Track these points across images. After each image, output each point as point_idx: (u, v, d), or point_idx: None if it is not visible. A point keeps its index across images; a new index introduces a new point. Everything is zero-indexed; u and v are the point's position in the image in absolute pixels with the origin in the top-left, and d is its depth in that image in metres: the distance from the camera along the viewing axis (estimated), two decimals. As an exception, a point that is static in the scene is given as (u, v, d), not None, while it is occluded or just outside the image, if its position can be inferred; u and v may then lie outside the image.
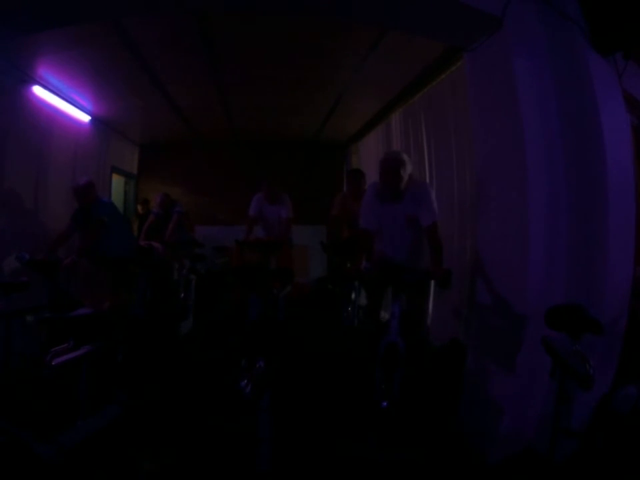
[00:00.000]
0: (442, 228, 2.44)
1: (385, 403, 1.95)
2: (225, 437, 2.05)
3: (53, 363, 1.86)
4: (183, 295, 4.01)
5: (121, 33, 2.89)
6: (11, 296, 2.17)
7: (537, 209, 1.90)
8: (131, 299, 3.28)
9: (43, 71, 3.58)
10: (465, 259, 3.16)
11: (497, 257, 2.13)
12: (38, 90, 3.81)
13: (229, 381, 1.72)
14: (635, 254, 1.96)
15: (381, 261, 2.61)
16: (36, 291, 2.57)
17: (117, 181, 6.48)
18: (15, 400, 2.17)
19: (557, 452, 1.48)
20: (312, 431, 2.18)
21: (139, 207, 6.30)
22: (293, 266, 4.54)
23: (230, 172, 6.88)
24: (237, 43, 3.18)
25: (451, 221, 3.34)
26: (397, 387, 1.97)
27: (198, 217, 6.26)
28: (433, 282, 2.78)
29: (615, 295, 1.88)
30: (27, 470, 1.75)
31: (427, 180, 3.79)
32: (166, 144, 6.71)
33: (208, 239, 4.93)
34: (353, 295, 3.67)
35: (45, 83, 3.83)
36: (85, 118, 4.86)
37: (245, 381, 1.50)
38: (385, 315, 3.36)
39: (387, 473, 1.87)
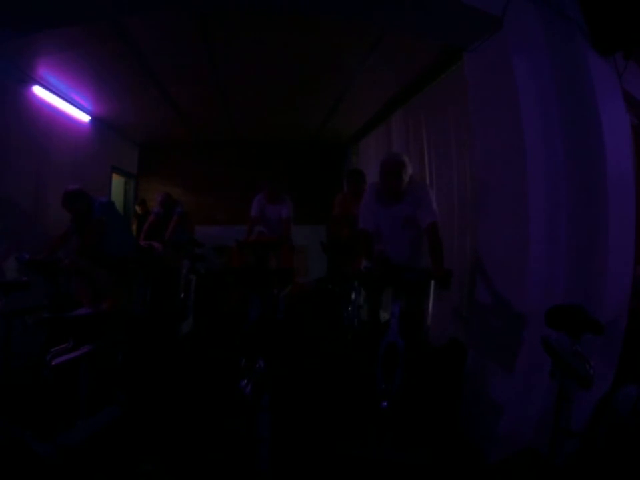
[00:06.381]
0: (442, 228, 2.44)
1: (385, 403, 1.95)
2: (224, 436, 2.05)
3: (52, 363, 1.87)
4: (182, 294, 4.01)
5: (120, 32, 2.89)
6: (10, 296, 2.17)
7: (537, 208, 1.90)
8: (130, 299, 3.28)
9: (43, 70, 3.58)
10: (465, 259, 3.16)
11: (497, 257, 2.13)
12: (38, 90, 3.81)
13: (228, 381, 1.72)
14: (635, 254, 1.97)
15: (380, 261, 2.61)
16: (36, 291, 2.57)
17: (117, 181, 6.48)
18: (15, 400, 2.17)
19: (557, 452, 1.48)
20: (312, 430, 2.18)
21: (138, 208, 6.30)
22: (293, 266, 4.54)
23: (230, 172, 6.88)
24: (237, 43, 3.18)
25: (451, 221, 3.33)
26: (397, 387, 1.97)
27: (198, 217, 6.26)
28: (433, 282, 2.78)
29: (615, 295, 1.88)
30: (27, 470, 1.75)
31: (427, 180, 3.79)
32: (166, 144, 6.72)
33: (208, 239, 4.92)
34: (353, 295, 3.67)
35: (45, 82, 3.83)
36: (85, 118, 4.87)
37: (245, 381, 1.50)
38: (384, 315, 3.36)
39: (387, 473, 1.87)
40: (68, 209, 3.13)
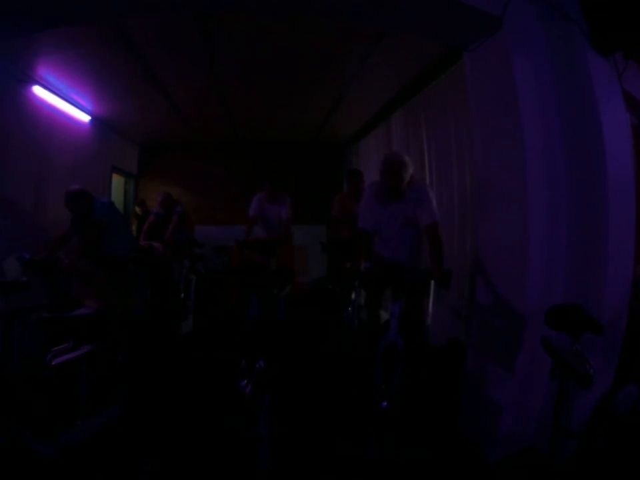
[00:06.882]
0: (442, 228, 2.44)
1: (385, 403, 1.95)
2: (224, 437, 2.05)
3: (52, 363, 1.86)
4: (182, 294, 4.01)
5: (121, 33, 2.89)
6: (10, 296, 2.17)
7: (537, 208, 1.90)
8: (131, 299, 3.28)
9: (43, 70, 3.58)
10: (465, 259, 3.16)
11: (497, 257, 2.13)
12: (38, 90, 3.81)
13: (228, 381, 1.72)
14: (635, 254, 1.96)
15: (380, 261, 2.61)
16: (36, 291, 2.57)
17: (117, 181, 6.48)
18: (15, 400, 2.17)
19: (557, 452, 1.48)
20: (312, 430, 2.18)
21: (137, 209, 6.30)
22: (293, 266, 4.54)
23: (230, 172, 6.89)
24: (237, 44, 3.18)
25: (451, 221, 3.34)
26: (396, 387, 1.97)
27: (198, 217, 6.26)
28: (433, 282, 2.78)
29: (615, 295, 1.88)
30: (27, 470, 1.75)
31: (427, 180, 3.79)
32: (166, 144, 6.72)
33: (208, 239, 4.92)
34: (353, 295, 3.67)
35: (45, 82, 3.83)
36: (85, 118, 4.87)
37: (245, 381, 1.50)
38: (384, 315, 3.36)
39: (387, 473, 1.87)
40: (70, 208, 3.13)
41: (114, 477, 1.80)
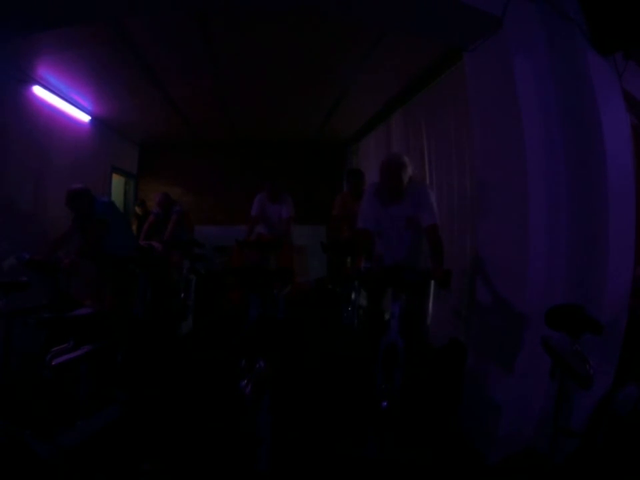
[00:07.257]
0: (442, 228, 2.44)
1: (385, 403, 1.95)
2: (224, 437, 2.05)
3: (53, 363, 1.86)
4: (183, 294, 4.01)
5: (121, 33, 2.89)
6: (10, 296, 2.17)
7: (537, 208, 1.90)
8: (131, 298, 3.28)
9: (43, 70, 3.58)
10: (465, 259, 3.16)
11: (497, 257, 2.13)
12: (38, 90, 3.81)
13: (228, 381, 1.72)
14: (635, 254, 1.96)
15: (380, 261, 2.61)
16: (36, 291, 2.57)
17: (117, 181, 6.48)
18: (15, 400, 2.17)
19: (556, 452, 1.48)
20: (312, 430, 2.18)
21: (138, 209, 6.29)
22: (293, 266, 4.54)
23: (230, 172, 6.89)
24: (237, 43, 3.18)
25: (451, 221, 3.34)
26: (397, 387, 1.97)
27: (198, 217, 6.26)
28: (433, 282, 2.78)
29: (615, 295, 1.88)
30: (27, 470, 1.75)
31: (427, 180, 3.79)
32: (166, 144, 6.72)
33: (208, 239, 4.92)
34: (353, 295, 3.67)
35: (45, 82, 3.83)
36: (85, 118, 4.87)
37: (245, 381, 1.50)
38: (385, 315, 3.36)
39: (387, 473, 1.87)
40: (71, 207, 3.13)
41: (114, 477, 1.80)
